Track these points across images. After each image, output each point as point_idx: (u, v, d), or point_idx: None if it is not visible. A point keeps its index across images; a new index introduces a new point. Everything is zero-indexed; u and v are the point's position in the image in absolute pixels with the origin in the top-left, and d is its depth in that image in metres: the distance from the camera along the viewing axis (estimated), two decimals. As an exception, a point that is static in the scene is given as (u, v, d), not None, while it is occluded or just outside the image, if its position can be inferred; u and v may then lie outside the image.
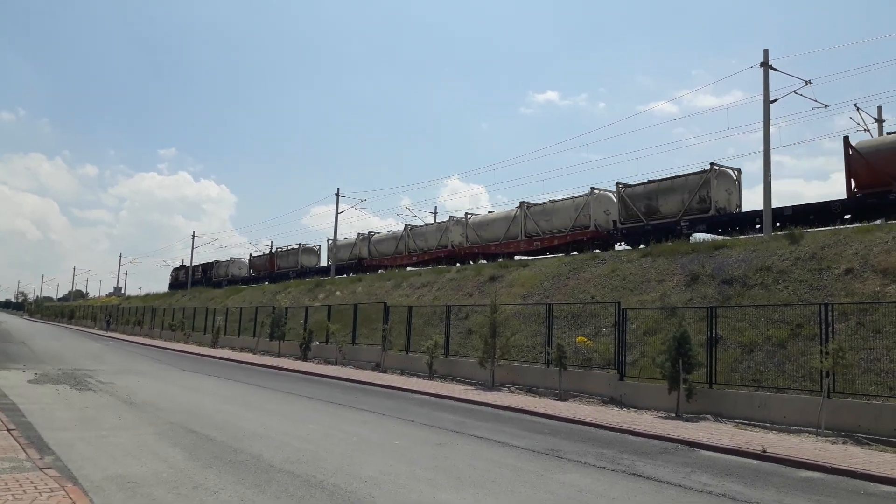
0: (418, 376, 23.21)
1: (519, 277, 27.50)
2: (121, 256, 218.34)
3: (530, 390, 19.29)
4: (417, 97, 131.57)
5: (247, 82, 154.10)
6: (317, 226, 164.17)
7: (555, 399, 17.77)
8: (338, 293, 39.42)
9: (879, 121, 29.92)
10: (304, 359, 30.27)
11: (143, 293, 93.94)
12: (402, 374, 24.31)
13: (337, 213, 53.10)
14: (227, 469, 8.51)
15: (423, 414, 14.78)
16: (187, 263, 79.39)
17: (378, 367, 25.81)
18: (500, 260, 34.37)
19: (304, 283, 46.96)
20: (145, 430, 11.42)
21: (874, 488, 8.98)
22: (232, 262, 72.20)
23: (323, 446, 10.40)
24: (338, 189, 53.83)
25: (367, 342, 28.59)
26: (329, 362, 28.85)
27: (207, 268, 75.48)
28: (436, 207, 56.14)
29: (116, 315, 69.54)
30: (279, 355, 32.59)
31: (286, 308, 36.15)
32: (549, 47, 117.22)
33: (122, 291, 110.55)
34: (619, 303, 19.02)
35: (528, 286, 26.28)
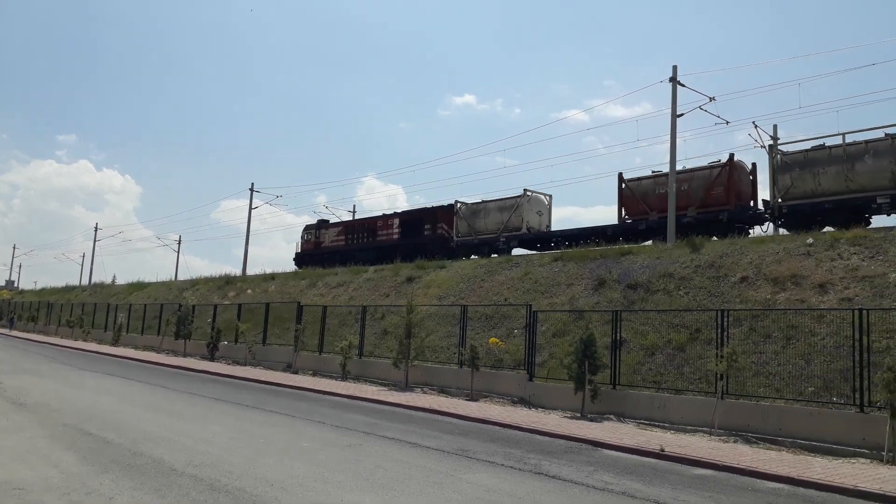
0: (331, 377, 22.96)
1: (436, 279, 27.67)
2: (14, 248, 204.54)
3: (443, 391, 19.45)
4: (335, 93, 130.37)
5: (155, 70, 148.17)
6: (228, 221, 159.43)
7: (466, 399, 17.99)
8: (249, 291, 38.44)
9: (775, 138, 31.89)
10: (212, 359, 29.33)
11: (38, 287, 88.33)
12: (314, 375, 23.97)
13: (251, 209, 51.82)
14: (124, 473, 8.15)
15: (334, 415, 14.63)
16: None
17: (289, 368, 25.34)
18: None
19: (214, 280, 45.47)
20: (36, 432, 10.77)
21: (760, 484, 9.57)
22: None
23: (228, 449, 10.12)
24: (252, 184, 52.47)
25: (278, 342, 28.01)
26: (238, 363, 28.07)
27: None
28: (354, 206, 55.54)
29: (10, 311, 64.94)
30: (185, 355, 31.43)
31: (193, 306, 34.93)
32: (467, 51, 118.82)
33: (16, 285, 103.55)
34: (531, 305, 19.47)
35: (444, 287, 26.48)
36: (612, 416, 15.26)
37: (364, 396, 18.05)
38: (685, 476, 9.88)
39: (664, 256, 21.15)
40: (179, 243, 64.68)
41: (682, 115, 26.71)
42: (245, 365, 27.28)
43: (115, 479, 7.85)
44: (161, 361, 28.40)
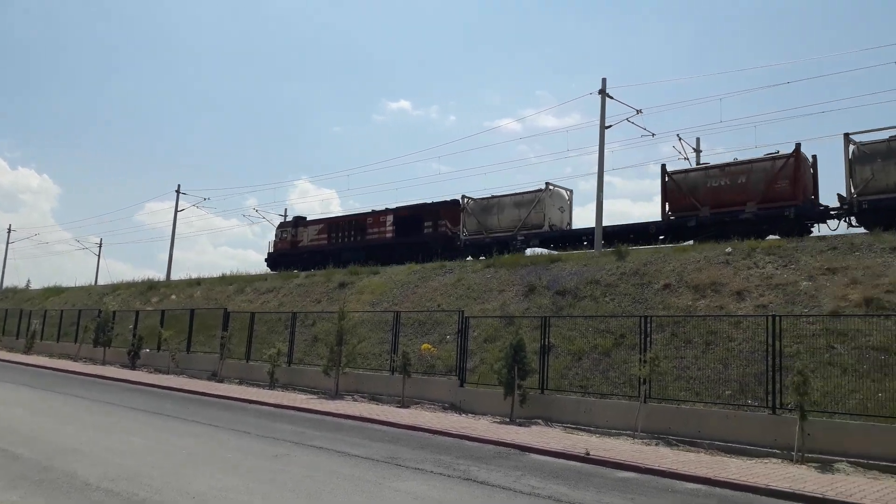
0: (258, 386, 22.45)
1: (369, 284, 27.49)
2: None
3: (374, 398, 19.31)
4: (268, 95, 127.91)
5: (77, 64, 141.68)
6: (153, 223, 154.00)
7: (397, 406, 17.92)
8: (173, 297, 37.20)
9: (697, 150, 33.25)
10: (133, 367, 28.21)
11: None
12: (240, 383, 23.39)
13: (177, 211, 50.22)
14: (34, 489, 7.73)
15: (260, 425, 14.31)
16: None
17: (215, 377, 24.64)
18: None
19: (136, 285, 43.78)
20: (-65, 448, 10.09)
21: (680, 486, 9.91)
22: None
23: (148, 461, 9.75)
24: (178, 186, 50.81)
25: (203, 350, 27.20)
26: (160, 371, 27.09)
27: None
28: (286, 210, 54.47)
29: None
30: (104, 363, 30.12)
31: (114, 312, 33.52)
32: (403, 57, 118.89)
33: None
34: (463, 311, 19.59)
35: (377, 293, 26.33)
36: (540, 421, 15.50)
37: (292, 405, 17.72)
38: (609, 479, 10.13)
39: (591, 264, 21.67)
40: (100, 246, 61.94)
41: (610, 126, 27.53)
42: (168, 373, 26.36)
43: (23, 496, 7.44)
44: (78, 370, 27.10)
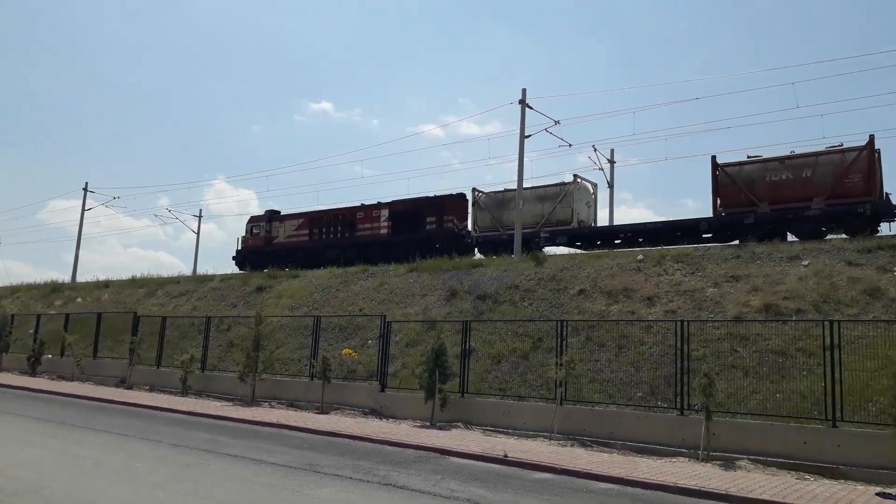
0: (170, 393, 21.63)
1: (288, 288, 26.98)
2: None
3: (292, 404, 18.97)
4: (183, 92, 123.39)
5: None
6: (57, 222, 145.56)
7: (316, 412, 17.67)
8: (79, 300, 35.35)
9: (611, 161, 34.39)
10: (33, 374, 26.61)
11: None
12: (151, 390, 22.48)
13: (83, 210, 47.77)
14: (-82, 508, 7.18)
15: (172, 433, 13.79)
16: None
17: (123, 384, 23.57)
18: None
19: (38, 287, 41.32)
20: None
21: (594, 486, 10.21)
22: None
23: (50, 473, 9.22)
24: (86, 183, 48.31)
25: (111, 356, 25.98)
26: (64, 378, 25.66)
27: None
28: (200, 210, 52.83)
29: None
30: (1, 370, 28.25)
31: (13, 315, 31.51)
32: (326, 58, 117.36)
33: None
34: (385, 316, 19.54)
35: (297, 298, 25.88)
36: (460, 424, 15.63)
37: (206, 412, 17.18)
38: (526, 480, 10.33)
39: (511, 269, 22.07)
40: (-3, 246, 58.05)
41: (529, 136, 28.11)
42: (73, 380, 24.98)
43: None
44: (-30, 378, 25.30)
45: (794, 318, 14.84)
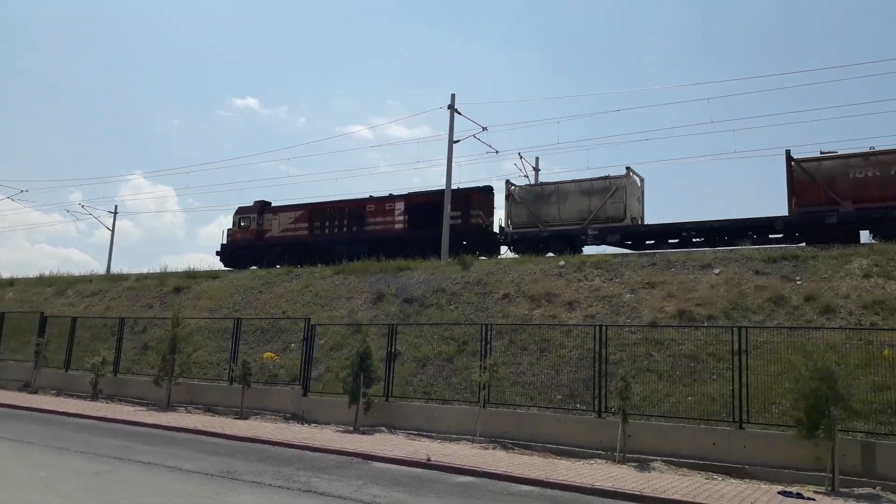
0: (80, 397, 20.62)
1: (207, 289, 26.20)
2: None
3: (210, 409, 18.42)
4: (97, 82, 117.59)
5: None
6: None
7: (236, 418, 17.23)
8: (-21, 299, 33.19)
9: (536, 169, 35.13)
10: (-75, 378, 24.78)
11: None
12: (58, 395, 21.36)
13: (-14, 204, 44.83)
14: None
15: (80, 440, 13.15)
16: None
17: (28, 388, 22.30)
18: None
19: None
20: None
21: (515, 488, 10.38)
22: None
23: (-59, 487, 8.63)
24: (-10, 175, 45.34)
25: (15, 358, 24.52)
26: (-40, 382, 24.04)
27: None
28: (116, 206, 50.54)
29: None
30: None
31: None
32: (253, 53, 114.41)
33: None
34: (309, 319, 19.26)
35: (217, 299, 25.16)
36: (384, 428, 15.58)
37: (118, 418, 16.46)
38: (449, 484, 10.39)
39: (438, 272, 22.17)
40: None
41: (458, 141, 28.43)
42: (-31, 385, 23.44)
43: None
44: None
45: (705, 325, 15.52)
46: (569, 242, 25.18)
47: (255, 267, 29.82)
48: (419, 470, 11.43)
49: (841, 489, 10.35)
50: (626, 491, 9.91)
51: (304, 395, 17.57)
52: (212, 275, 28.13)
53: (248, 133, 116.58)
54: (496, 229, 28.08)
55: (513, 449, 13.55)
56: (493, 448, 13.64)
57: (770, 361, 13.40)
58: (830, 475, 10.50)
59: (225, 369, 19.79)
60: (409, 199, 29.62)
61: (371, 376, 15.71)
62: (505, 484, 10.58)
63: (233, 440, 14.04)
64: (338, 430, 15.50)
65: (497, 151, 31.12)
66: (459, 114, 28.35)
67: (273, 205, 33.83)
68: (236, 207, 34.35)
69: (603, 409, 13.62)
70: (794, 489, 10.31)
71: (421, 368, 17.54)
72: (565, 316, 17.83)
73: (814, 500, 9.71)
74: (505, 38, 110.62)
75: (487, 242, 27.69)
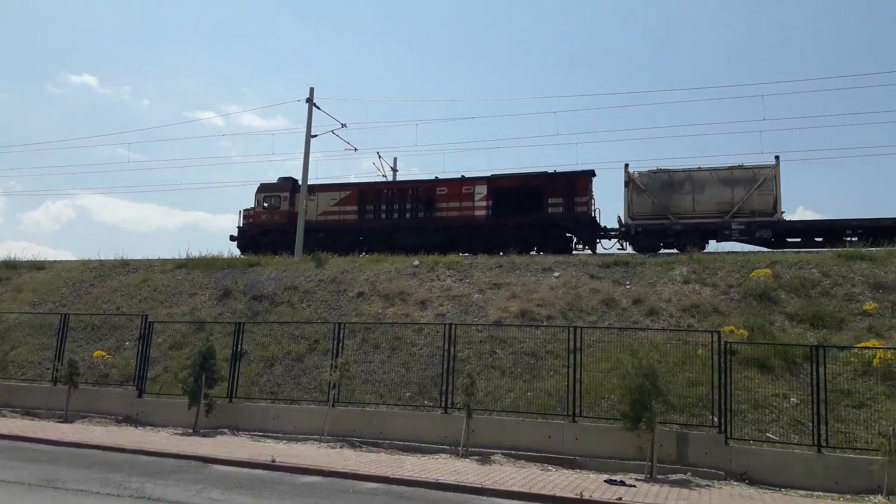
0: None
1: (31, 281, 23.88)
2: None
3: (30, 413, 16.83)
4: None
5: None
6: None
7: (60, 421, 15.88)
8: None
9: (394, 169, 35.42)
10: None
11: None
12: None
13: None
14: None
15: None
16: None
17: None
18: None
19: None
20: None
21: (361, 486, 10.44)
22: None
23: None
24: None
25: None
26: None
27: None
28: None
29: None
30: None
31: None
32: (93, 26, 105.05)
33: None
34: (147, 315, 18.15)
35: (41, 292, 23.00)
36: (226, 430, 15.04)
37: (-84, 424, 14.60)
38: (294, 485, 10.26)
39: (291, 269, 21.73)
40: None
41: (316, 136, 27.99)
42: None
43: None
44: None
45: (545, 324, 16.46)
46: (707, 236, 23.35)
47: (290, 255, 25.27)
48: (263, 472, 11.17)
49: (658, 476, 11.41)
50: (468, 484, 10.30)
51: (139, 396, 16.54)
52: (36, 265, 25.67)
53: (85, 113, 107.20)
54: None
55: (361, 447, 13.61)
56: (342, 447, 13.62)
57: (601, 359, 14.49)
58: (650, 463, 11.55)
59: (48, 369, 18.15)
60: (495, 182, 26.36)
61: (214, 376, 15.11)
62: (351, 482, 10.61)
63: (56, 446, 12.94)
64: (176, 433, 14.75)
65: (356, 149, 31.01)
66: (318, 108, 27.95)
67: (296, 183, 28.90)
68: (258, 185, 29.59)
69: (449, 406, 14.03)
70: (618, 477, 11.21)
71: (269, 368, 17.11)
72: (418, 315, 18.15)
73: (634, 486, 10.63)
74: (366, 36, 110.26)
75: (595, 234, 25.03)
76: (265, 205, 29.04)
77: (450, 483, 10.39)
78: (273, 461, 11.50)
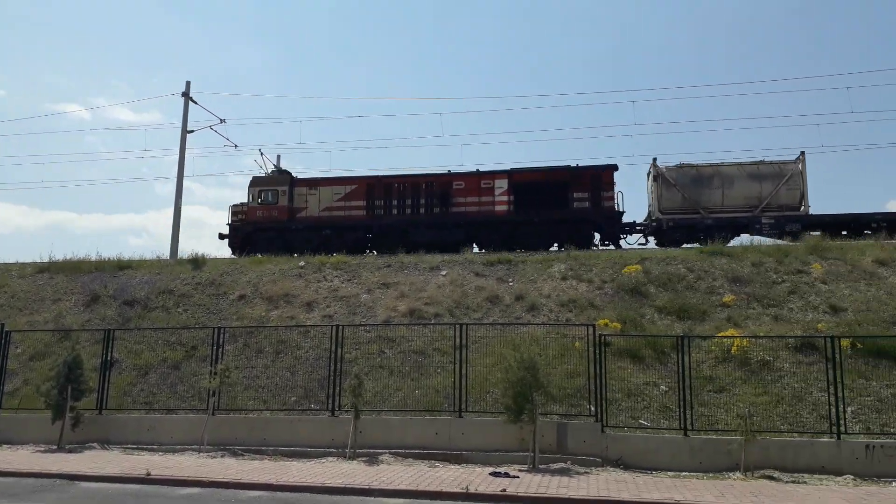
0: None
1: None
2: None
3: None
4: None
5: None
6: None
7: None
8: None
9: (277, 167, 34.54)
10: None
11: None
12: None
13: None
14: None
15: None
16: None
17: None
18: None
19: None
20: None
21: (243, 494, 10.10)
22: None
23: None
24: None
25: None
26: None
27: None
28: None
29: None
30: None
31: None
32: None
33: None
34: (3, 324, 16.67)
35: None
36: (96, 445, 14.09)
37: None
38: (171, 498, 9.78)
39: (165, 272, 20.69)
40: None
41: (193, 131, 26.90)
42: None
43: None
44: None
45: (432, 322, 16.61)
46: (736, 232, 23.48)
47: (290, 256, 23.43)
48: (137, 486, 10.57)
49: (540, 466, 11.82)
50: (355, 486, 10.22)
51: (-5, 412, 15.17)
52: None
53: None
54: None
55: (244, 456, 13.16)
56: (223, 456, 13.10)
57: (486, 354, 14.81)
58: (532, 454, 11.93)
59: None
60: (515, 176, 25.43)
61: (81, 388, 14.12)
62: (233, 492, 10.24)
63: None
64: (38, 451, 13.65)
65: (236, 146, 30.11)
66: (195, 102, 26.84)
67: (292, 176, 27.42)
68: (251, 178, 27.37)
69: (337, 408, 13.85)
70: (503, 469, 11.49)
71: (142, 377, 16.19)
72: (304, 317, 17.79)
73: (518, 477, 10.95)
74: (246, 31, 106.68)
75: (619, 230, 24.67)
76: (260, 199, 26.82)
77: (337, 486, 10.27)
78: (148, 474, 10.90)
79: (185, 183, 25.44)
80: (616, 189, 24.76)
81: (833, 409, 11.97)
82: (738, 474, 11.25)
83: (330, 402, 14.02)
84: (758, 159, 24.68)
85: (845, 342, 13.32)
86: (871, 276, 16.81)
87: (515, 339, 13.77)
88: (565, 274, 18.43)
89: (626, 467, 11.96)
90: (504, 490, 9.89)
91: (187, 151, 26.32)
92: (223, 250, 26.65)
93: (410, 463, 12.32)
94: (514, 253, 21.34)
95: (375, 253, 24.42)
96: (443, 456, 12.66)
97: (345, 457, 12.78)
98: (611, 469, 11.83)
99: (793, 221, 23.23)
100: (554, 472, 11.42)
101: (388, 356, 15.74)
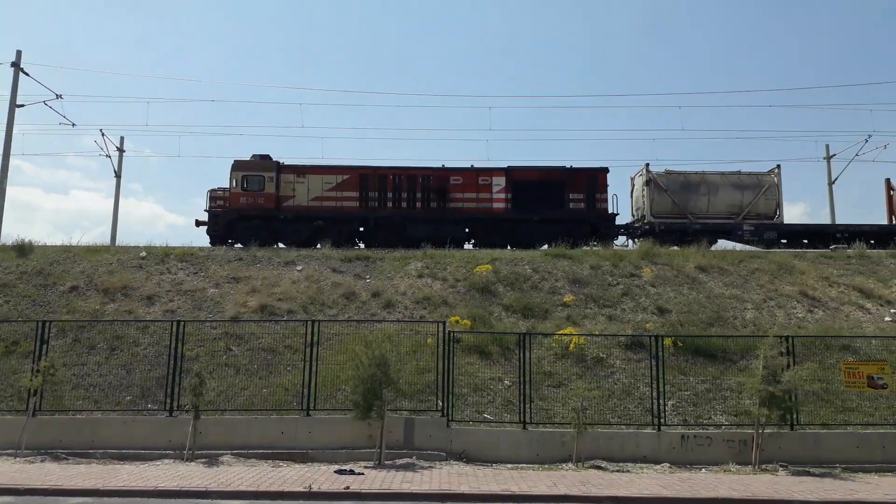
0: None
1: None
2: None
3: None
4: None
5: None
6: None
7: None
8: None
9: (120, 150, 32.32)
10: None
11: None
12: None
13: None
14: None
15: None
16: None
17: None
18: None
19: None
20: None
21: (64, 502, 9.39)
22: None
23: None
24: None
25: None
26: None
27: None
28: None
29: None
30: None
31: None
32: None
33: None
34: None
35: None
36: None
37: None
38: (-23, 510, 8.88)
39: (-16, 260, 18.68)
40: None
41: (23, 105, 24.44)
42: None
43: None
44: None
45: (284, 319, 16.25)
46: (718, 237, 25.11)
47: (279, 246, 22.50)
48: (-65, 499, 9.49)
49: (386, 462, 11.94)
50: (191, 489, 9.82)
51: None
52: None
53: None
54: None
55: (68, 459, 12.18)
56: (43, 461, 12.05)
57: (339, 352, 14.69)
58: (379, 450, 12.03)
59: None
60: (514, 174, 25.56)
61: None
62: (53, 499, 9.50)
63: None
64: None
65: (74, 124, 27.83)
66: (26, 74, 24.39)
67: (278, 163, 25.63)
68: (233, 161, 25.22)
69: (175, 408, 13.19)
70: (348, 466, 11.50)
71: (-50, 375, 14.52)
72: (143, 311, 16.75)
73: (363, 473, 11.00)
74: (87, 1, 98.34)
75: (612, 231, 25.45)
76: (247, 186, 25.22)
77: (171, 489, 9.81)
78: (-50, 486, 9.82)
79: (14, 161, 23.22)
80: (610, 191, 25.99)
81: (655, 403, 13.08)
82: (570, 465, 11.99)
83: (169, 401, 13.32)
84: (735, 171, 26.95)
85: (668, 341, 14.60)
86: (693, 281, 18.53)
87: (369, 336, 13.77)
88: (421, 272, 18.71)
89: (470, 460, 12.37)
90: (348, 487, 9.91)
91: (17, 127, 23.86)
92: (54, 237, 24.54)
93: (253, 463, 12.00)
94: (371, 250, 21.39)
95: (364, 246, 24.05)
96: (289, 455, 12.44)
97: (183, 458, 12.21)
98: (454, 462, 12.18)
99: (770, 229, 25.45)
100: (399, 468, 11.58)
101: (236, 354, 15.20)
